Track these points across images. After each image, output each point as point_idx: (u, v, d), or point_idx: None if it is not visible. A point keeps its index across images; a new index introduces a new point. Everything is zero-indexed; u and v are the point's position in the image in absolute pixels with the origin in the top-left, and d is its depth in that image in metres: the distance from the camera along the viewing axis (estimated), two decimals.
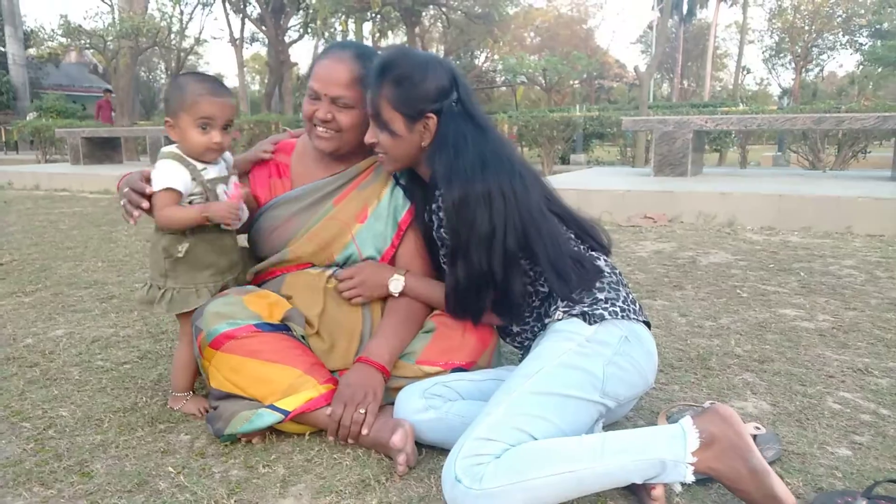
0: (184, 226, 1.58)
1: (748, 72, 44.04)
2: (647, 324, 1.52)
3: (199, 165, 1.60)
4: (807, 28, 33.50)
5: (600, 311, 1.42)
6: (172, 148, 1.62)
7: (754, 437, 1.42)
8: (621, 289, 1.50)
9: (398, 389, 1.54)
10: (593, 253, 1.57)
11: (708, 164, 8.52)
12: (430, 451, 1.48)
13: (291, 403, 1.47)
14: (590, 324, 1.40)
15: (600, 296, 1.45)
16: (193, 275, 1.63)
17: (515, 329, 1.60)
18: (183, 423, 1.64)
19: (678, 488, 1.23)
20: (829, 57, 37.55)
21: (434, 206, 1.53)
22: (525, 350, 1.61)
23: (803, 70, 36.00)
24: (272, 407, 1.47)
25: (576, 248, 1.52)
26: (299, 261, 1.70)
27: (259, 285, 1.74)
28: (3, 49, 24.91)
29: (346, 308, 1.66)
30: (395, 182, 1.72)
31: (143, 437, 1.56)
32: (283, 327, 1.57)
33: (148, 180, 1.58)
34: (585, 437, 1.26)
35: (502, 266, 1.44)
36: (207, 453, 1.49)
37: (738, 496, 1.20)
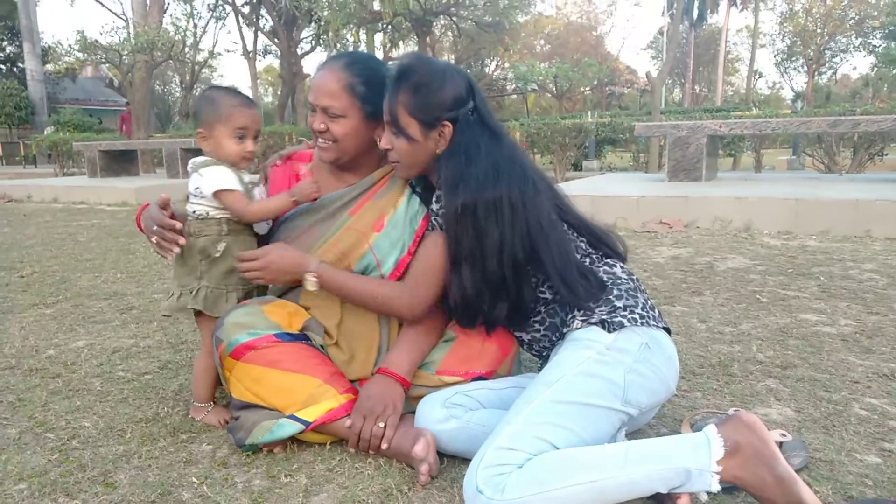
0: (277, 214, 1.67)
1: (760, 76, 43.84)
2: (668, 330, 1.50)
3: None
4: (819, 31, 33.31)
5: (619, 318, 1.40)
6: (205, 157, 1.67)
7: (780, 444, 1.40)
8: (639, 295, 1.49)
9: (418, 398, 1.54)
10: (608, 260, 1.56)
11: (722, 168, 8.47)
12: (452, 461, 1.47)
13: (312, 414, 1.47)
14: (609, 332, 1.39)
15: (618, 303, 1.44)
16: (226, 276, 1.66)
17: (527, 338, 1.59)
18: (205, 433, 1.64)
19: (704, 497, 1.22)
20: (842, 59, 37.32)
21: (435, 208, 1.53)
22: (543, 359, 1.60)
23: (816, 73, 35.78)
24: (293, 417, 1.47)
25: (583, 261, 1.52)
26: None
27: (279, 297, 1.74)
28: (21, 65, 25.32)
29: (363, 319, 1.66)
30: (411, 190, 1.72)
31: (166, 448, 1.57)
32: (302, 337, 1.57)
33: (170, 213, 1.63)
34: (608, 445, 1.25)
35: (513, 274, 1.44)
36: (230, 463, 1.49)
37: None
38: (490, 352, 1.58)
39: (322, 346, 1.60)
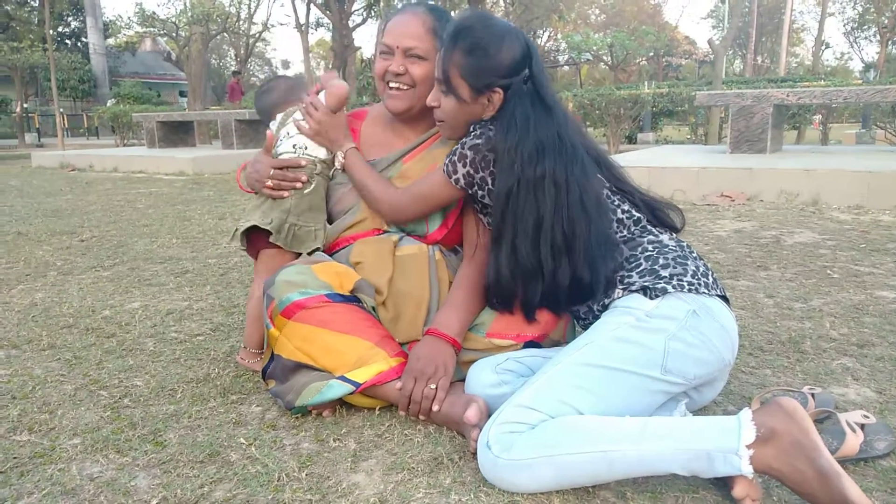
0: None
1: (827, 46, 41.71)
2: (725, 298, 1.39)
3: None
4: None
5: (662, 284, 1.32)
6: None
7: (863, 426, 1.29)
8: (689, 262, 1.39)
9: (468, 363, 1.49)
10: (655, 229, 1.47)
11: (786, 141, 8.08)
12: None
13: (362, 375, 1.43)
14: (651, 298, 1.31)
15: (663, 272, 1.35)
16: (314, 214, 1.69)
17: (581, 316, 1.51)
18: (255, 395, 1.63)
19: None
20: None
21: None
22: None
23: (890, 42, 33.76)
24: (343, 378, 1.44)
25: (624, 235, 1.45)
26: (369, 222, 1.67)
27: (330, 255, 1.71)
28: (84, 40, 26.09)
29: (414, 277, 1.61)
30: None
31: (216, 408, 1.56)
32: (353, 299, 1.53)
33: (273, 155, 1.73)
34: (629, 418, 1.17)
35: (550, 256, 1.38)
36: (278, 425, 1.47)
37: (806, 500, 1.07)
38: (542, 315, 1.51)
39: (373, 308, 1.56)
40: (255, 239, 1.70)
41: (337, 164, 1.69)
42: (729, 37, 13.05)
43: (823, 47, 37.92)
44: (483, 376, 1.42)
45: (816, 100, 5.95)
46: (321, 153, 1.72)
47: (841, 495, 1.01)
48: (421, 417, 1.43)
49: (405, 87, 1.59)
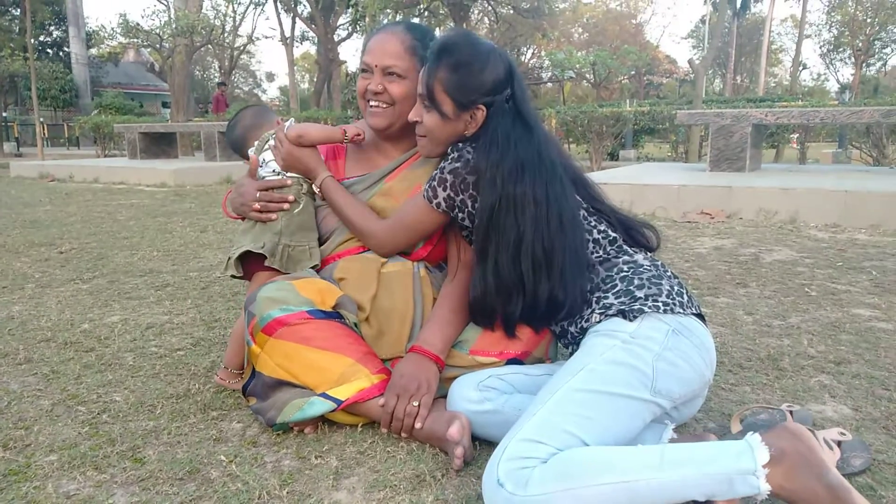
0: (330, 139, 1.72)
1: (804, 67, 42.57)
2: (701, 316, 1.41)
3: None
4: (869, 21, 32.12)
5: (638, 306, 1.34)
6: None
7: (839, 443, 1.31)
8: (664, 282, 1.40)
9: (451, 380, 1.49)
10: (630, 249, 1.50)
11: (764, 160, 8.21)
12: (488, 447, 1.41)
13: (344, 392, 1.43)
14: (630, 320, 1.32)
15: (638, 293, 1.37)
16: (306, 234, 1.68)
17: (562, 335, 1.52)
18: (235, 411, 1.61)
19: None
20: (893, 50, 35.97)
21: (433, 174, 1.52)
22: (571, 354, 1.53)
23: (864, 64, 34.55)
24: (324, 395, 1.43)
25: (599, 256, 1.47)
26: (354, 241, 1.67)
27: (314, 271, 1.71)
28: (67, 49, 25.88)
29: (398, 294, 1.61)
30: None
31: (196, 425, 1.54)
32: (335, 315, 1.53)
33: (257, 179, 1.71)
34: (643, 447, 1.17)
35: (532, 273, 1.40)
36: (259, 442, 1.46)
37: None
38: (525, 332, 1.52)
39: (356, 325, 1.56)
40: (249, 265, 1.68)
41: (316, 193, 1.69)
42: (709, 57, 13.29)
43: (801, 68, 38.66)
44: (465, 393, 1.41)
45: (794, 120, 6.08)
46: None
47: None
48: (403, 435, 1.43)
49: (384, 106, 1.61)
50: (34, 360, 1.98)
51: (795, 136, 10.85)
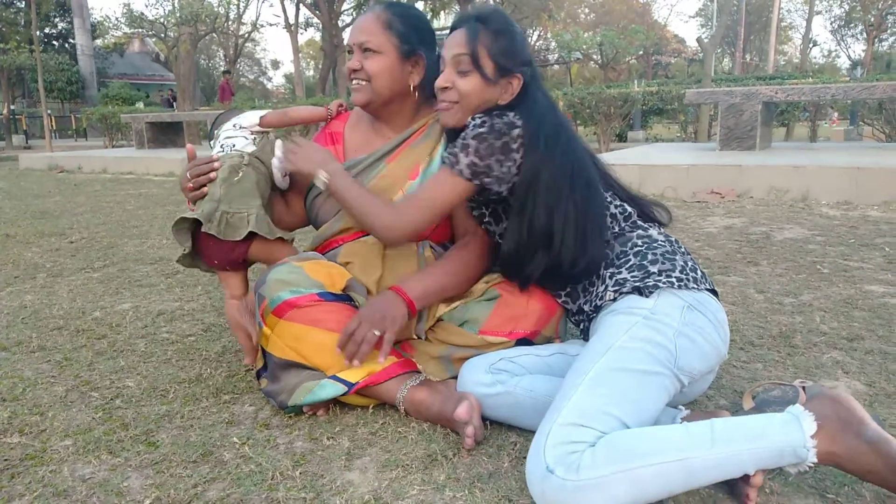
0: (312, 119, 1.82)
1: (815, 44, 42.01)
2: (714, 292, 1.40)
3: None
4: None
5: (653, 282, 1.33)
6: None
7: None
8: (678, 258, 1.39)
9: (461, 360, 1.49)
10: (644, 224, 1.50)
11: (775, 138, 8.13)
12: (499, 428, 1.42)
13: (355, 375, 1.43)
14: (646, 297, 1.32)
15: (652, 268, 1.36)
16: (247, 200, 1.65)
17: (570, 307, 1.52)
18: (247, 395, 1.62)
19: (794, 471, 1.12)
20: None
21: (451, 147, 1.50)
22: (582, 332, 1.53)
23: (876, 40, 34.03)
24: (335, 378, 1.43)
25: (615, 228, 1.49)
26: (356, 228, 1.66)
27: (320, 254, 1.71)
28: (72, 41, 25.90)
29: (403, 274, 1.60)
30: (446, 142, 1.66)
31: (208, 408, 1.55)
32: (345, 297, 1.53)
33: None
34: (690, 424, 1.16)
35: (562, 229, 1.41)
36: (272, 424, 1.46)
37: (869, 480, 1.09)
38: (534, 311, 1.52)
39: None
40: (208, 250, 1.67)
41: (319, 185, 1.53)
42: (717, 35, 13.12)
43: (811, 45, 38.19)
44: (476, 376, 1.41)
45: (805, 97, 6.00)
46: (249, 147, 1.74)
47: (894, 459, 1.04)
48: (355, 363, 1.42)
49: (363, 82, 1.59)
50: (47, 347, 2.00)
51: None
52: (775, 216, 3.92)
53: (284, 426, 1.45)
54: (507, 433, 1.40)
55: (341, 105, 1.80)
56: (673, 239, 1.48)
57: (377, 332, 1.41)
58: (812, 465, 1.09)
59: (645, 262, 1.38)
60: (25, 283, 2.79)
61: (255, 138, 1.77)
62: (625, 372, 1.22)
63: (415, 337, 1.59)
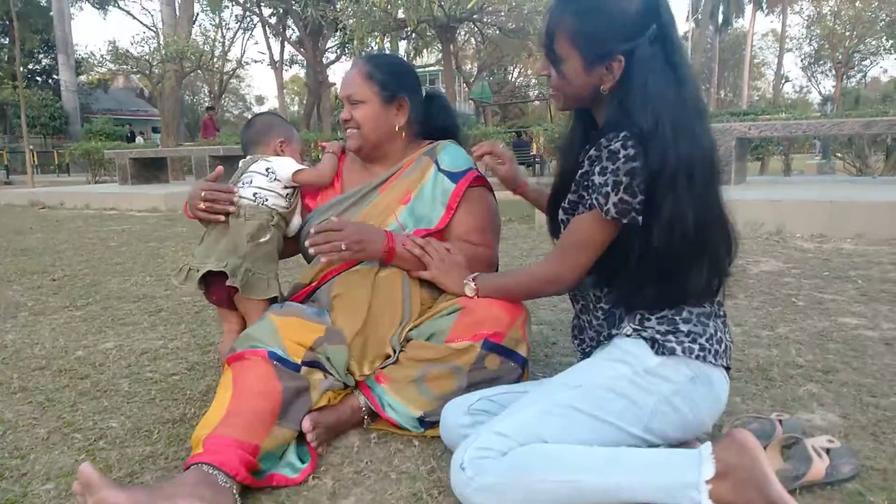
0: (334, 171, 1.87)
1: (787, 80, 43.20)
2: (728, 368, 1.34)
3: None
4: (848, 34, 32.70)
5: (672, 344, 1.26)
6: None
7: (828, 450, 1.34)
8: (710, 323, 1.31)
9: (434, 379, 1.52)
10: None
11: (750, 172, 8.31)
12: None
13: (196, 442, 1.34)
14: (657, 353, 1.26)
15: (682, 326, 1.28)
16: (268, 264, 1.75)
17: (581, 322, 1.49)
18: None
19: None
20: (871, 62, 36.64)
21: (597, 181, 1.25)
22: (584, 355, 1.52)
23: (844, 76, 35.10)
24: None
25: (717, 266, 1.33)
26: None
27: (312, 293, 1.76)
28: (56, 77, 25.92)
29: (387, 296, 1.65)
30: (437, 168, 1.78)
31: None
32: (295, 367, 1.48)
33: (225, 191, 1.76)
34: (599, 448, 1.19)
35: (684, 251, 1.25)
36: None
37: None
38: (496, 315, 1.53)
39: (336, 374, 1.54)
40: (213, 287, 1.74)
41: (469, 293, 1.57)
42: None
43: (783, 81, 39.25)
44: (457, 418, 1.41)
45: (777, 133, 6.16)
46: (281, 203, 1.79)
47: None
48: (311, 251, 1.59)
49: (354, 130, 1.76)
50: (29, 388, 1.98)
51: (780, 147, 11.00)
52: (751, 249, 4.00)
53: None
54: None
55: (341, 148, 1.94)
56: (717, 300, 1.36)
57: (344, 249, 1.56)
58: None
59: (678, 318, 1.29)
60: (6, 322, 2.77)
61: (287, 194, 1.81)
62: (581, 413, 1.24)
63: (390, 353, 1.59)
